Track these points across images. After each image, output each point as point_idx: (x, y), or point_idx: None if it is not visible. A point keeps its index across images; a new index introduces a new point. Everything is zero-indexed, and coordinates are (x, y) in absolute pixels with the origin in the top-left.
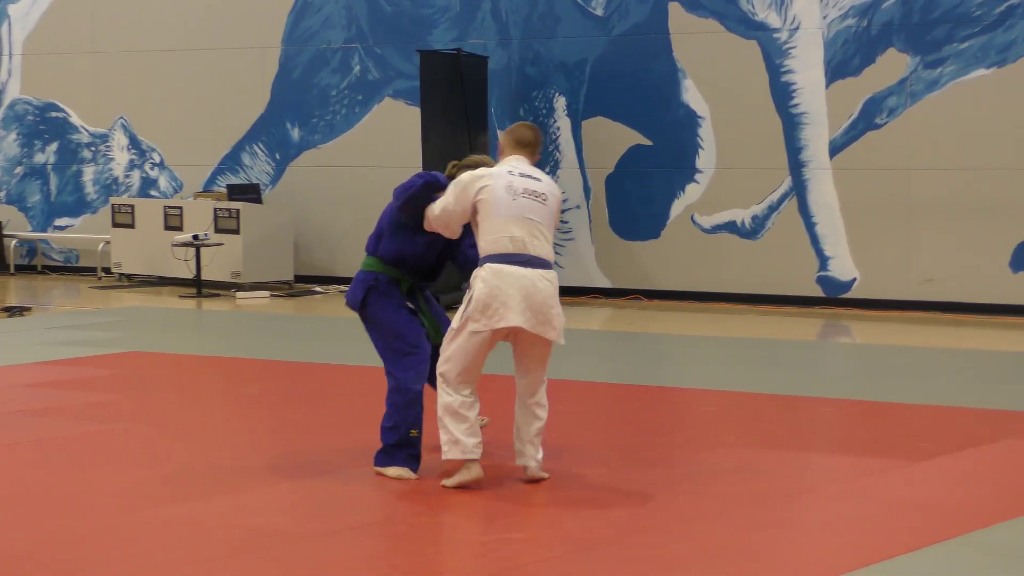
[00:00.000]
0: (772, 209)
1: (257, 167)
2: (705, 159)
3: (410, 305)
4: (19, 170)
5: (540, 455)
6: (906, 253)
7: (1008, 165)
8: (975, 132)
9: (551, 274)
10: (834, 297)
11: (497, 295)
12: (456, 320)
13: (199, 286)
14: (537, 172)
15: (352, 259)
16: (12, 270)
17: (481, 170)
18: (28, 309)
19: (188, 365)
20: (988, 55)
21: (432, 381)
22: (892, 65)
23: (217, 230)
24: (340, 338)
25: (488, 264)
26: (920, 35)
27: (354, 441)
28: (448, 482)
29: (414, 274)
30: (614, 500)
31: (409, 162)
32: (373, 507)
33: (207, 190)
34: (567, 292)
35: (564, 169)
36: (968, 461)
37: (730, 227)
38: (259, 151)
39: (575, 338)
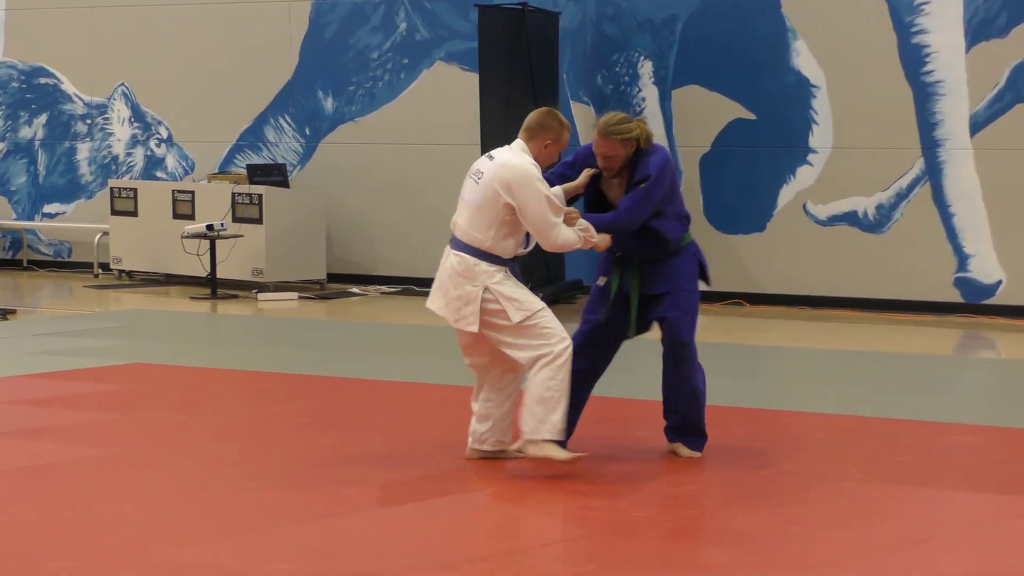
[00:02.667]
0: (900, 197)
1: (283, 144)
2: (820, 137)
3: None
4: (1, 147)
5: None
6: None
7: None
8: None
9: (459, 255)
10: (975, 303)
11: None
12: None
13: (214, 286)
14: (505, 152)
15: (395, 253)
16: None
17: None
18: (12, 312)
19: (200, 380)
20: None
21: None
22: None
23: (235, 219)
24: (380, 349)
25: None
26: None
27: (395, 473)
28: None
29: None
30: (712, 544)
31: (464, 138)
32: (412, 552)
33: (223, 171)
34: None
35: None
36: None
37: (850, 219)
38: (285, 125)
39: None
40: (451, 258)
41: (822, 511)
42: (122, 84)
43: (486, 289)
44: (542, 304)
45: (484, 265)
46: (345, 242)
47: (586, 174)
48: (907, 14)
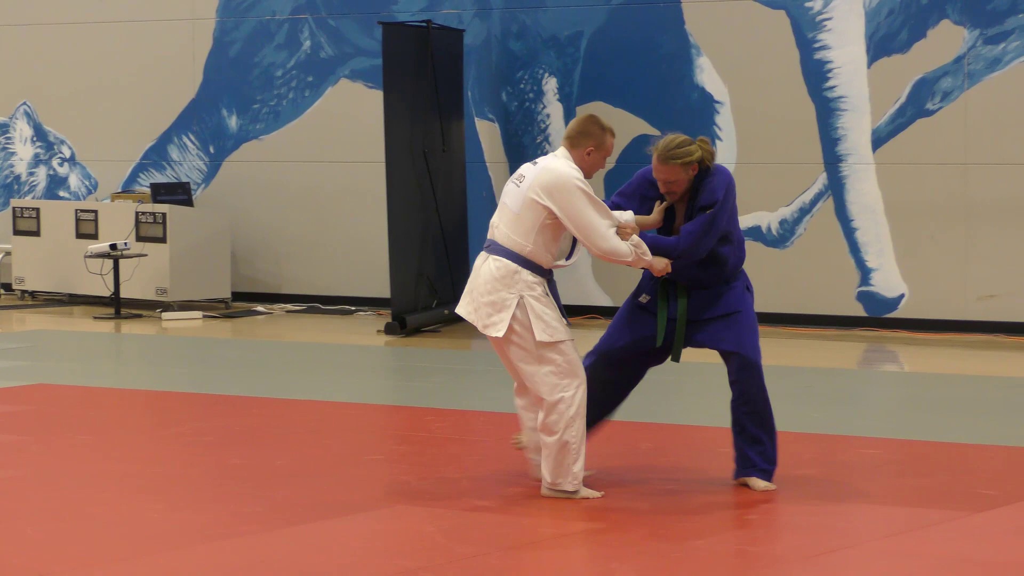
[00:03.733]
0: (804, 212)
1: (187, 162)
2: (724, 152)
3: None
4: None
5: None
6: (963, 264)
7: None
8: None
9: (500, 260)
10: (878, 317)
11: None
12: None
13: (118, 305)
14: (548, 157)
15: (301, 271)
16: None
17: None
18: None
19: (106, 400)
20: None
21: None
22: (946, 40)
23: (139, 238)
24: (286, 368)
25: None
26: (979, 4)
27: (305, 491)
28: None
29: None
30: (619, 560)
31: (369, 155)
32: (318, 570)
33: (127, 190)
34: None
35: None
36: None
37: (754, 233)
38: (189, 143)
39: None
40: (490, 263)
41: (727, 524)
42: (24, 103)
43: (520, 299)
44: (569, 335)
45: (526, 274)
46: (250, 260)
47: (660, 209)
48: (809, 30)
